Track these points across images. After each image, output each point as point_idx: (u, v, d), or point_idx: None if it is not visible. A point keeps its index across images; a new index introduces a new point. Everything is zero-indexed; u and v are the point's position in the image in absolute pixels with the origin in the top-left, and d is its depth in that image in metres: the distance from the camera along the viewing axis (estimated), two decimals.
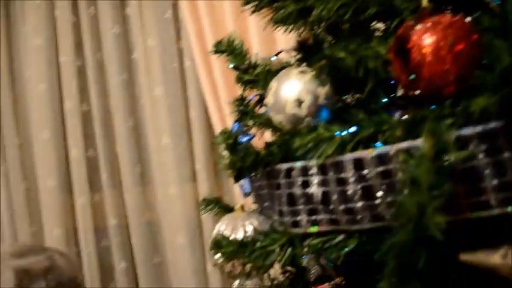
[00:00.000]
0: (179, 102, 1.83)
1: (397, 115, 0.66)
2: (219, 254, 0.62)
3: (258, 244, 0.60)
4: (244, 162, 0.63)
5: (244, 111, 0.98)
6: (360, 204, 0.54)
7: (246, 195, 0.91)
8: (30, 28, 1.91)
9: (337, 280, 0.99)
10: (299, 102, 0.71)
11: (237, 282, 1.08)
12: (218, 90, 1.68)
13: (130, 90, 1.90)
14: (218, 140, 0.77)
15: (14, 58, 1.98)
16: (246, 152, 0.64)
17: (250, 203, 0.97)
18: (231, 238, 0.67)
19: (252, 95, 0.97)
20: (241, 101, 0.99)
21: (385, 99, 0.68)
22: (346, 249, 0.58)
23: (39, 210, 1.91)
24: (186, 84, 1.83)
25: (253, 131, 0.99)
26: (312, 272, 1.08)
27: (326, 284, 1.04)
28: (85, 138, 1.92)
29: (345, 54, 0.57)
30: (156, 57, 1.84)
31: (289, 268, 0.81)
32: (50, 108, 1.90)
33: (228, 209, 0.96)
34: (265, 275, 0.77)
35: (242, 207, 0.76)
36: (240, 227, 0.71)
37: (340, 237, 0.58)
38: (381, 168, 0.52)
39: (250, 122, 0.98)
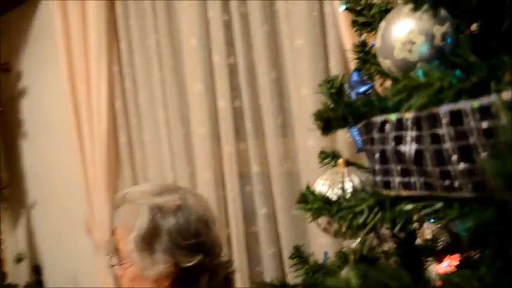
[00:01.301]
0: (319, 52, 1.77)
1: None
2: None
3: (344, 203, 0.55)
4: (334, 113, 0.56)
5: (365, 58, 0.90)
6: (458, 167, 0.44)
7: (359, 150, 0.84)
8: None
9: (471, 252, 0.87)
10: (410, 45, 0.61)
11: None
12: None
13: (273, 41, 1.90)
14: (322, 89, 0.71)
15: (172, 16, 2.15)
16: (336, 101, 0.58)
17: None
18: (323, 194, 0.62)
19: (373, 40, 0.87)
20: (361, 47, 0.91)
21: None
22: (444, 220, 0.49)
23: (193, 155, 2.11)
24: (326, 32, 1.75)
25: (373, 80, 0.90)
26: (440, 240, 0.96)
27: (457, 255, 0.92)
28: (232, 90, 2.01)
29: None
30: (297, 6, 1.79)
31: (397, 233, 0.73)
32: (201, 62, 2.03)
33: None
34: (371, 236, 0.71)
35: (346, 162, 0.70)
36: (339, 183, 0.66)
37: (439, 205, 0.49)
38: (485, 124, 0.41)
39: (371, 70, 0.89)
